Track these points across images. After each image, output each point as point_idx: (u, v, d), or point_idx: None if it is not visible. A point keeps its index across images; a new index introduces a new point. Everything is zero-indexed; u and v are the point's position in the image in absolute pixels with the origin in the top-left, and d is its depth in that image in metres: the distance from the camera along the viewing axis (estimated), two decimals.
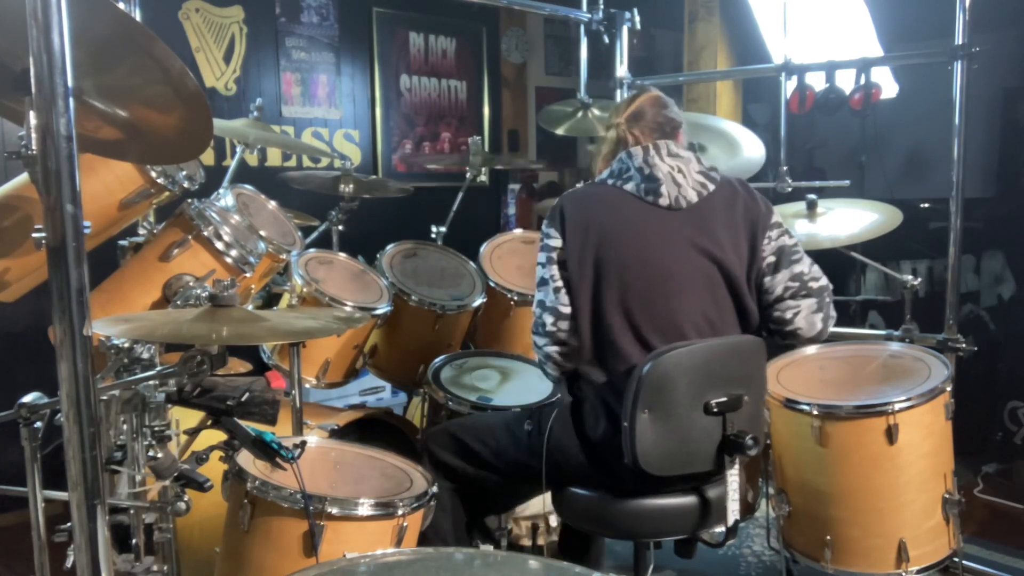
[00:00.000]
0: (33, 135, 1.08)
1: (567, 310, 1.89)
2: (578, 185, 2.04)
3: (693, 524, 1.90)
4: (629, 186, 1.90)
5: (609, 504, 1.88)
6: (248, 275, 2.16)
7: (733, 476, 1.82)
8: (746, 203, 1.93)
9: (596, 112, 3.39)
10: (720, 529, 1.92)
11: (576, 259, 1.88)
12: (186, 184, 2.16)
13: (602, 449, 1.86)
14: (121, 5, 2.49)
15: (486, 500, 2.14)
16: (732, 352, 1.85)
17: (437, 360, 2.57)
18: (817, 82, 3.19)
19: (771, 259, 1.92)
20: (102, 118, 1.41)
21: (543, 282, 1.93)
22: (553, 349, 1.91)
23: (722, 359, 1.82)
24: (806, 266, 1.94)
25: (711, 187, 1.90)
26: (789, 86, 3.16)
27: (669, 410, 1.76)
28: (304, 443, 1.69)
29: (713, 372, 1.80)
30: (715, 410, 1.79)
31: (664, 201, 1.87)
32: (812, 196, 2.84)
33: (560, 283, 1.90)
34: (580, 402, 1.93)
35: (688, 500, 1.87)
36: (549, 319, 1.90)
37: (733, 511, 1.84)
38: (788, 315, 1.92)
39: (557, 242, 1.92)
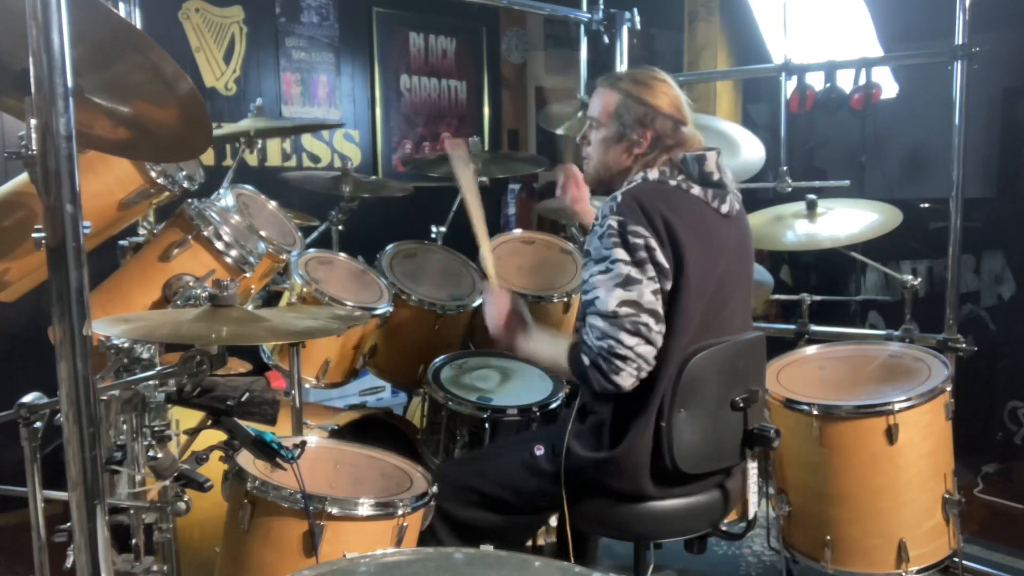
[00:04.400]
0: (33, 135, 1.08)
1: (663, 311, 1.74)
2: (636, 182, 1.84)
3: (715, 519, 1.92)
4: (696, 190, 1.82)
5: (631, 508, 1.84)
6: (248, 275, 2.16)
7: (753, 468, 1.88)
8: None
9: None
10: (734, 523, 1.94)
11: (669, 263, 1.75)
12: (186, 184, 2.16)
13: (630, 456, 1.79)
14: (122, 4, 2.51)
15: (518, 538, 2.07)
16: (748, 349, 1.89)
17: (437, 360, 2.56)
18: (817, 82, 3.19)
19: None
20: (108, 116, 1.41)
21: (630, 281, 1.72)
22: (649, 350, 1.73)
23: (743, 356, 1.86)
24: None
25: (739, 196, 1.93)
26: (789, 86, 3.16)
27: (702, 408, 1.78)
28: (304, 443, 1.69)
29: (737, 369, 1.84)
30: (740, 405, 1.82)
31: (725, 208, 1.85)
32: (812, 196, 2.84)
33: (658, 285, 1.73)
34: (606, 411, 1.83)
35: (711, 496, 1.88)
36: (652, 321, 1.72)
37: (753, 502, 1.90)
38: None
39: (652, 241, 1.73)
